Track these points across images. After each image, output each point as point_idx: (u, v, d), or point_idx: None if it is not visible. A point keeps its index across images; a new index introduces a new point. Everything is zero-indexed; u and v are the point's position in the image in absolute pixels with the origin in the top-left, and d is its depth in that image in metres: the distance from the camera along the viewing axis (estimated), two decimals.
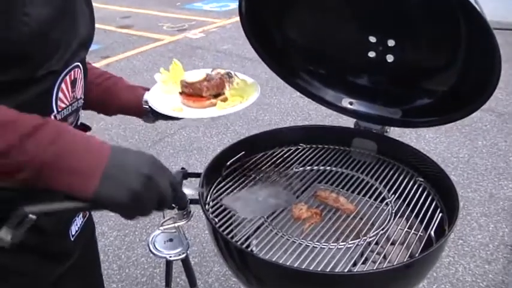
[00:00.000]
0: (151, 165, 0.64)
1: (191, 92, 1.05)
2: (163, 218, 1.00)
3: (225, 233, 0.91)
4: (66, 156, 0.58)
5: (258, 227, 0.96)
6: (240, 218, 0.98)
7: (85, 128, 0.91)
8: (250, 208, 0.94)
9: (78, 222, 0.92)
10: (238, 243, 0.89)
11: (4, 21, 0.58)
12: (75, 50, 0.74)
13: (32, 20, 0.60)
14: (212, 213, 0.98)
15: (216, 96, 1.07)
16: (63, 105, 0.76)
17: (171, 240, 0.99)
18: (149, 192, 0.63)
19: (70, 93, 0.77)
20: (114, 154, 0.61)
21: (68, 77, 0.75)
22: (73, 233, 0.89)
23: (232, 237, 0.92)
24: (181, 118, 1.09)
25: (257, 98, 1.06)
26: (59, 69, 0.71)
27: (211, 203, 1.03)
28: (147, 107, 1.05)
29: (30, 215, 0.60)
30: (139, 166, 0.62)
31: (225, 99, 1.06)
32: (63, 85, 0.74)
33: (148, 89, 1.09)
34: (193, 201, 1.03)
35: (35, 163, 0.57)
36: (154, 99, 1.04)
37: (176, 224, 0.98)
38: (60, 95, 0.74)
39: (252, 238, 0.94)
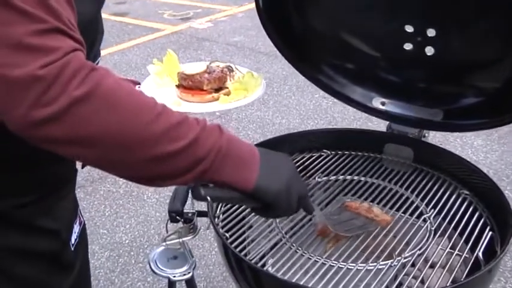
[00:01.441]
0: (291, 162, 0.79)
1: (190, 85, 1.09)
2: (167, 232, 1.04)
3: (237, 250, 0.93)
4: (233, 147, 0.69)
5: (275, 244, 0.99)
6: (254, 234, 1.01)
7: None
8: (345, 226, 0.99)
9: (76, 230, 0.96)
10: (253, 261, 0.91)
11: None
12: (99, 45, 0.83)
13: (81, 16, 0.68)
14: (222, 227, 1.01)
15: (217, 90, 1.10)
16: None
17: (175, 257, 1.02)
18: (296, 184, 0.76)
19: None
20: (261, 150, 0.74)
21: None
22: (73, 242, 0.95)
23: (245, 255, 0.94)
24: None
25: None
26: None
27: (221, 216, 1.05)
28: None
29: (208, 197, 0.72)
30: (285, 161, 0.77)
31: (227, 93, 1.09)
32: None
33: (139, 83, 1.13)
34: (201, 214, 1.07)
35: (211, 156, 0.66)
36: (148, 92, 1.07)
37: (181, 240, 1.01)
38: None
39: (268, 256, 0.96)
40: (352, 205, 1.07)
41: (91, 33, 0.80)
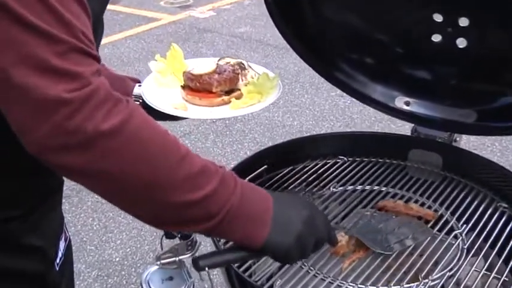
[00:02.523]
0: (308, 206, 0.83)
1: (197, 87, 1.09)
2: (161, 249, 1.04)
3: (241, 270, 0.93)
4: (245, 202, 0.73)
5: None
6: None
7: None
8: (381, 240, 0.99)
9: (61, 247, 0.98)
10: (259, 283, 0.91)
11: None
12: (100, 42, 0.86)
13: (93, 13, 0.73)
14: (224, 244, 1.01)
15: (228, 92, 1.10)
16: None
17: (170, 278, 1.02)
18: (310, 234, 0.79)
19: None
20: (275, 198, 0.77)
21: None
22: (58, 261, 0.96)
23: (250, 276, 0.94)
24: (184, 118, 1.13)
25: (283, 97, 1.09)
26: None
27: None
28: (137, 102, 1.10)
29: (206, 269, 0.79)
30: (299, 209, 0.80)
31: (239, 96, 1.10)
32: None
33: (139, 81, 1.13)
34: None
35: (223, 213, 0.71)
36: (150, 93, 1.08)
37: (178, 258, 1.01)
38: None
39: (276, 277, 0.96)
40: (388, 204, 1.08)
41: (100, 30, 0.85)
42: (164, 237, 1.05)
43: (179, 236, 1.03)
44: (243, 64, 1.17)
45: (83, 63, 0.64)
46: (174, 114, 1.05)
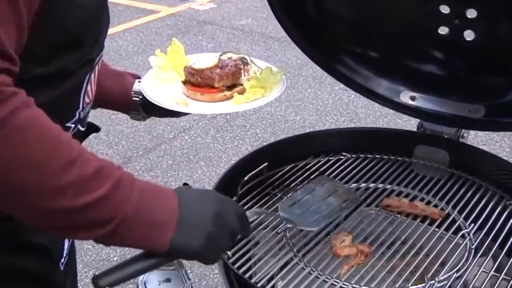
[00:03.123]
0: (216, 202, 0.81)
1: (199, 82, 1.09)
2: None
3: (241, 270, 0.93)
4: (143, 208, 0.71)
5: (286, 264, 0.98)
6: (261, 252, 1.00)
7: (95, 128, 1.01)
8: (312, 215, 0.96)
9: (65, 246, 0.98)
10: (259, 284, 0.91)
11: (62, 10, 0.73)
12: (105, 37, 0.87)
13: (86, 8, 0.75)
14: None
15: (230, 87, 1.10)
16: (88, 100, 0.88)
17: (168, 280, 1.01)
18: (221, 230, 0.78)
19: (94, 85, 0.89)
20: (182, 198, 0.75)
21: (97, 67, 0.88)
22: (62, 260, 0.96)
23: (250, 277, 0.93)
24: (185, 114, 1.12)
25: (286, 91, 1.08)
26: (94, 58, 0.85)
27: None
28: (137, 98, 1.09)
29: None
30: (207, 206, 0.78)
31: (242, 91, 1.09)
32: (92, 76, 0.86)
33: (138, 77, 1.13)
34: None
35: (118, 219, 0.68)
36: (150, 89, 1.08)
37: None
38: (89, 88, 0.86)
39: (277, 278, 0.95)
40: (392, 203, 1.08)
41: (97, 26, 0.84)
42: None
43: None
44: (245, 59, 1.16)
45: None
46: (175, 109, 1.04)
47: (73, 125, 0.85)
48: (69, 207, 0.65)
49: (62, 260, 0.96)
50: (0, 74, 0.62)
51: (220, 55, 1.18)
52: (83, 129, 0.90)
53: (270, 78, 1.10)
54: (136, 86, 1.11)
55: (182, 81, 1.12)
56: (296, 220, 0.96)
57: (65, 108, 0.81)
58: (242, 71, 1.13)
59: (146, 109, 1.11)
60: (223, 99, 1.08)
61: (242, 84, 1.11)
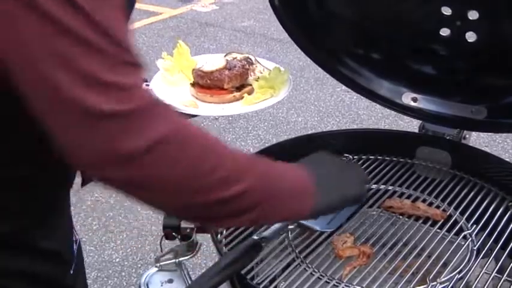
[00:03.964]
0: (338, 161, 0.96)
1: (208, 84, 1.09)
2: (161, 251, 1.03)
3: (243, 271, 0.92)
4: (284, 183, 0.80)
5: (288, 265, 0.98)
6: (263, 253, 1.00)
7: None
8: (326, 218, 1.01)
9: (75, 249, 0.99)
10: (261, 286, 0.91)
11: None
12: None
13: None
14: (226, 245, 1.01)
15: (238, 88, 1.10)
16: None
17: (170, 281, 1.02)
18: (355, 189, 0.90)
19: None
20: (309, 166, 0.85)
21: None
22: (72, 264, 0.97)
23: (252, 278, 0.94)
24: (193, 116, 1.13)
25: (289, 93, 1.08)
26: None
27: (224, 232, 1.05)
28: None
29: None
30: (332, 166, 0.92)
31: (250, 91, 1.09)
32: None
33: (146, 80, 1.13)
34: (201, 230, 1.06)
35: (264, 201, 0.75)
36: (160, 92, 1.08)
37: (178, 260, 1.01)
38: None
39: (279, 279, 0.95)
40: (394, 204, 1.09)
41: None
42: (164, 239, 1.05)
43: (179, 237, 1.03)
44: (250, 59, 1.17)
45: (130, 74, 0.64)
46: (185, 112, 1.04)
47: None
48: (221, 199, 0.71)
49: (73, 264, 0.97)
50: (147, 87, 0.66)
51: (225, 56, 1.19)
52: None
53: (278, 77, 1.11)
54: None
55: (191, 84, 1.12)
56: (314, 225, 1.01)
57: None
58: (249, 71, 1.14)
59: None
60: (232, 100, 1.09)
61: (251, 85, 1.12)
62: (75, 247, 1.00)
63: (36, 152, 0.77)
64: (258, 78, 1.13)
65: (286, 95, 1.08)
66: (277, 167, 0.82)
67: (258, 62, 1.17)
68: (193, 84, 1.11)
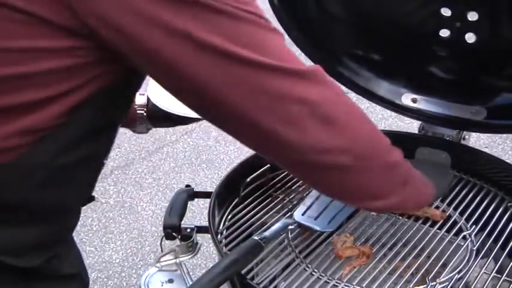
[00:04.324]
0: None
1: None
2: (161, 251, 1.04)
3: (243, 272, 0.93)
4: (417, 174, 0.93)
5: (288, 265, 0.98)
6: (263, 253, 1.00)
7: None
8: (326, 219, 1.04)
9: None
10: (261, 285, 0.91)
11: None
12: None
13: None
14: (226, 245, 1.01)
15: None
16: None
17: (170, 281, 1.02)
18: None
19: None
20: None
21: None
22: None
23: (252, 278, 0.94)
24: (196, 120, 1.12)
25: None
26: None
27: (224, 232, 1.05)
28: (142, 111, 1.09)
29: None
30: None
31: None
32: None
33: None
34: (201, 230, 1.07)
35: (411, 179, 0.89)
36: (159, 98, 1.07)
37: (178, 260, 1.01)
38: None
39: (279, 279, 0.96)
40: None
41: None
42: (164, 239, 1.05)
43: (179, 237, 1.03)
44: None
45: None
46: (194, 116, 1.04)
47: (106, 161, 0.87)
48: (395, 161, 0.85)
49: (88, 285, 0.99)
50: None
51: None
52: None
53: None
54: (139, 100, 1.10)
55: None
56: (314, 225, 1.02)
57: (109, 147, 0.84)
58: None
59: (154, 121, 1.12)
60: None
61: None
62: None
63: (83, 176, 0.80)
64: None
65: None
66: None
67: None
68: None
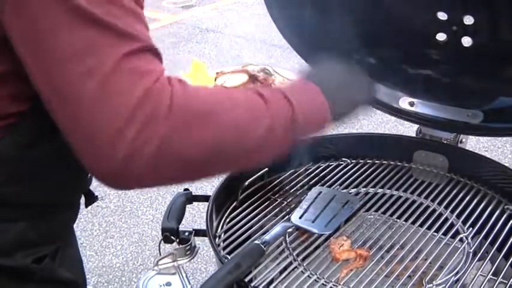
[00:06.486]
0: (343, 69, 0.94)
1: None
2: (160, 254, 1.04)
3: None
4: (308, 101, 0.80)
5: (285, 268, 0.99)
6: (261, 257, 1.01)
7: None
8: (323, 221, 1.05)
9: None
10: None
11: None
12: None
13: None
14: (224, 248, 1.02)
15: None
16: None
17: (168, 284, 1.02)
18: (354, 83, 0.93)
19: None
20: (317, 79, 0.85)
21: None
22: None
23: (250, 281, 0.94)
24: None
25: None
26: None
27: (223, 236, 1.06)
28: None
29: None
30: (338, 75, 0.92)
31: None
32: None
33: None
34: (199, 233, 1.07)
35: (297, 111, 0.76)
36: None
37: (176, 263, 1.01)
38: None
39: (276, 282, 0.96)
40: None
41: None
42: (162, 242, 1.06)
43: (177, 240, 1.04)
44: (267, 70, 1.16)
45: (153, 61, 0.65)
46: None
47: None
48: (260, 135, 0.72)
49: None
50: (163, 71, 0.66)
51: (243, 67, 1.17)
52: None
53: None
54: None
55: None
56: (311, 228, 1.03)
57: None
58: (272, 84, 1.13)
59: None
60: None
61: None
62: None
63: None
64: None
65: None
66: (295, 86, 0.84)
67: (277, 72, 1.17)
68: None
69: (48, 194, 0.79)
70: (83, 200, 0.98)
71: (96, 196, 1.00)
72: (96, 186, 0.86)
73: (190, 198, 1.19)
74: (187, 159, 0.65)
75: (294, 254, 1.01)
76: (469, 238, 1.04)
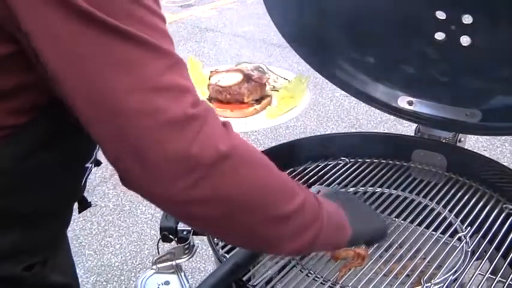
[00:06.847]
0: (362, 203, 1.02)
1: (227, 98, 1.06)
2: (158, 253, 1.04)
3: None
4: (333, 215, 0.81)
5: (284, 266, 0.99)
6: (260, 256, 1.01)
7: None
8: None
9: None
10: (257, 287, 0.92)
11: None
12: None
13: None
14: (223, 247, 1.01)
15: (258, 100, 1.08)
16: None
17: (167, 283, 1.02)
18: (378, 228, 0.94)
19: None
20: (341, 204, 0.86)
21: None
22: None
23: (249, 279, 0.95)
24: None
25: (308, 101, 1.08)
26: None
27: None
28: None
29: None
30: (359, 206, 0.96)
31: (270, 102, 1.07)
32: None
33: None
34: (198, 232, 1.07)
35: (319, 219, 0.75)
36: None
37: (175, 262, 1.01)
38: None
39: (275, 281, 0.96)
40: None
41: None
42: (161, 241, 1.06)
43: (176, 239, 1.04)
44: (261, 68, 1.16)
45: (187, 76, 0.62)
46: None
47: (90, 165, 0.85)
48: (286, 213, 0.70)
49: None
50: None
51: (236, 65, 1.17)
52: (95, 168, 0.91)
53: (298, 86, 1.09)
54: None
55: (207, 99, 1.10)
56: None
57: (86, 150, 0.80)
58: (266, 82, 1.12)
59: None
60: (253, 114, 1.06)
61: (268, 96, 1.09)
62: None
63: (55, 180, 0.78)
64: (274, 87, 1.12)
65: (307, 102, 1.06)
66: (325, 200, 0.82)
67: (271, 70, 1.16)
68: (210, 100, 1.09)
69: (42, 204, 0.78)
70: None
71: (90, 202, 0.99)
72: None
73: None
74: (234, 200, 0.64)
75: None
76: (468, 237, 1.04)
